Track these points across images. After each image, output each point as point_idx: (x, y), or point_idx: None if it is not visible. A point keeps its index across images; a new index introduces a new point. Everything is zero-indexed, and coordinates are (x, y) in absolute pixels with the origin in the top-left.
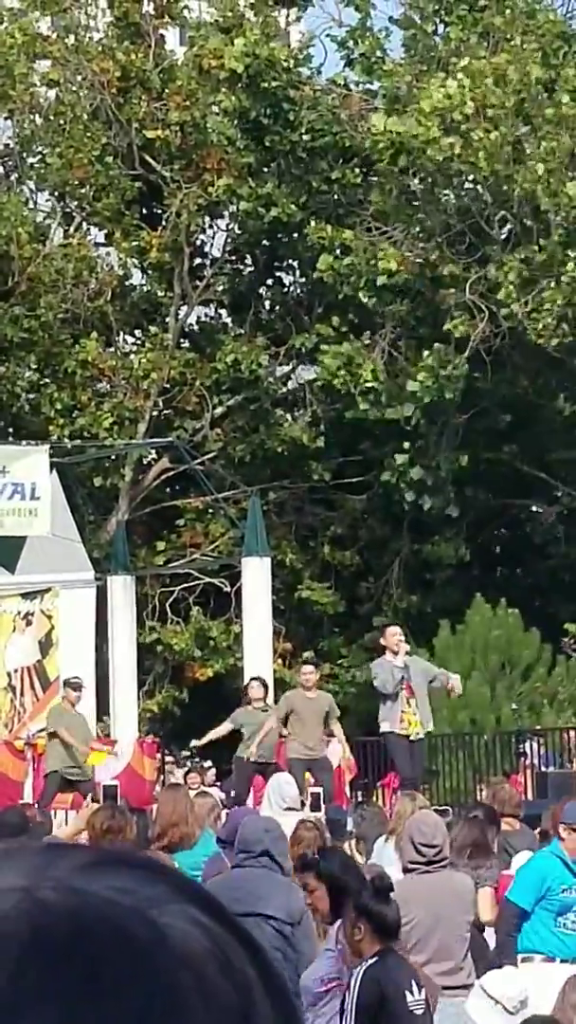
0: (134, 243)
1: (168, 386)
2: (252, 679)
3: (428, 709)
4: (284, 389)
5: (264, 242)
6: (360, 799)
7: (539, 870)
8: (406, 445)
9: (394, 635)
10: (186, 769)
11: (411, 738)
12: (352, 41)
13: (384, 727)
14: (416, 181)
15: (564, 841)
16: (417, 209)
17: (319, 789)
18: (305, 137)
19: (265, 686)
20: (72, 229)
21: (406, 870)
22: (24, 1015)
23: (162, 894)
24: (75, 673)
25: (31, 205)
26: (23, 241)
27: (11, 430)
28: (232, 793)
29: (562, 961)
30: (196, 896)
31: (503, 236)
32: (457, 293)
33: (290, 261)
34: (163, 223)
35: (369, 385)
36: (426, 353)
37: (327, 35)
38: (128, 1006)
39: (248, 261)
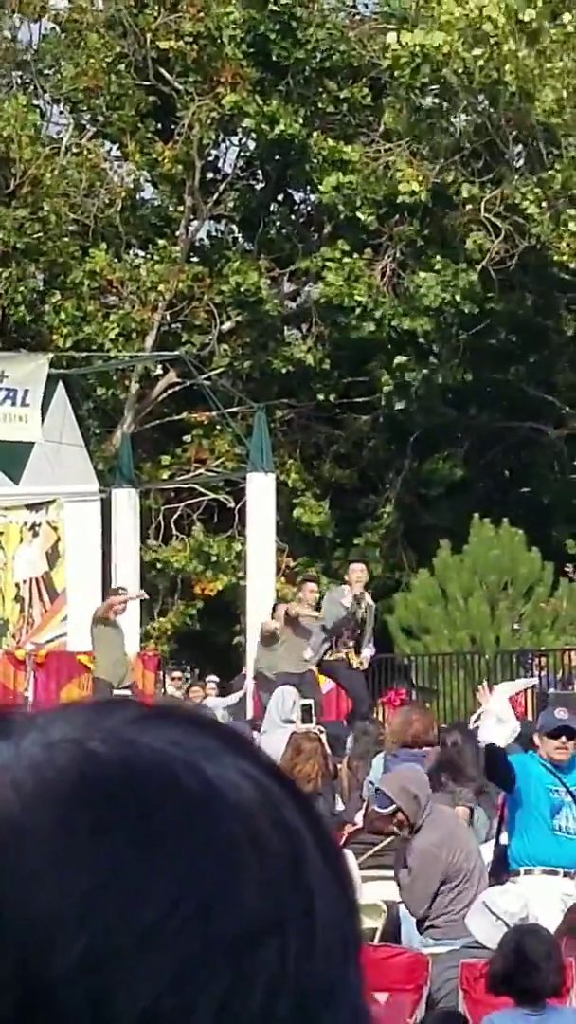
0: (147, 155)
1: (176, 300)
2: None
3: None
4: (292, 306)
5: (276, 158)
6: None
7: (519, 760)
8: (409, 356)
9: (354, 571)
10: (188, 683)
11: (354, 666)
12: None
13: (326, 657)
14: (428, 99)
15: (539, 749)
16: (429, 129)
17: (309, 701)
18: (313, 56)
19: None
20: (85, 140)
21: None
22: (75, 861)
23: (213, 746)
24: (80, 584)
25: (42, 114)
26: (24, 143)
27: (14, 337)
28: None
29: (565, 874)
30: (246, 749)
31: (518, 158)
32: (472, 211)
33: (299, 179)
34: (176, 136)
35: (360, 299)
36: (436, 260)
37: None
38: (180, 854)
39: (259, 177)
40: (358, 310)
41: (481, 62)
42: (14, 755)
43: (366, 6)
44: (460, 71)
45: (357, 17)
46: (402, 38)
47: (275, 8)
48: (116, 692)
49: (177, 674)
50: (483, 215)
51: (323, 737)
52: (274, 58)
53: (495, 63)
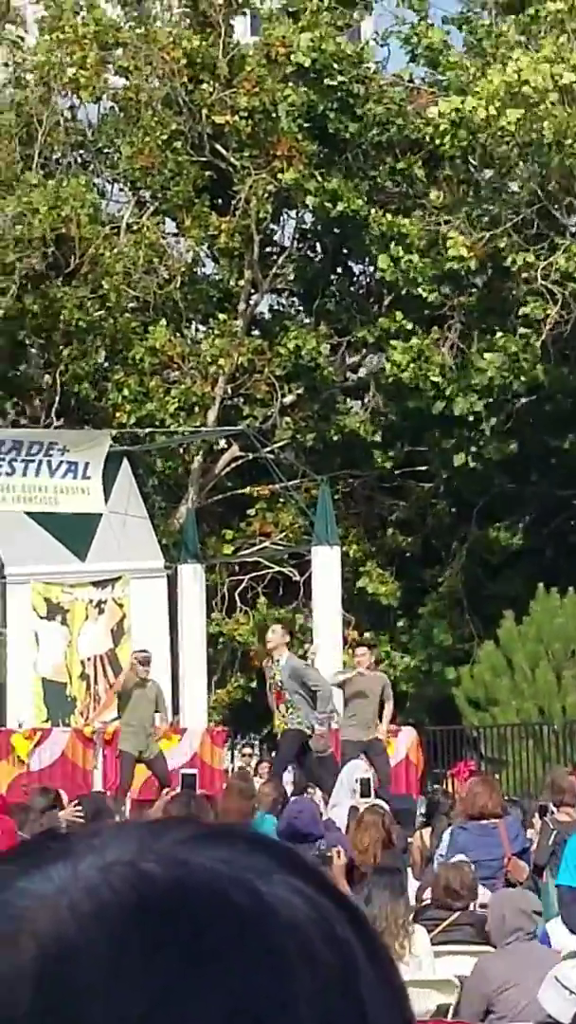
0: (205, 230)
1: (237, 373)
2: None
3: (311, 709)
4: (353, 378)
5: (334, 230)
6: (432, 788)
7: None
8: (464, 432)
9: (270, 633)
10: (257, 759)
11: (278, 733)
12: (415, 36)
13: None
14: (478, 167)
15: None
16: (482, 199)
17: (368, 775)
18: (372, 132)
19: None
20: (144, 218)
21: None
22: (128, 979)
23: (265, 865)
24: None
25: (102, 193)
26: (83, 222)
27: (79, 414)
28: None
29: None
30: (299, 866)
31: (573, 223)
32: (528, 279)
33: (358, 253)
34: (233, 210)
35: (435, 380)
36: (498, 335)
37: (391, 32)
38: (234, 972)
39: (317, 249)
40: (432, 391)
41: (515, 119)
42: (71, 877)
43: (423, 79)
44: (499, 134)
45: (415, 91)
46: (440, 107)
47: (332, 84)
48: (141, 761)
49: (247, 750)
50: (540, 283)
51: (388, 810)
52: (331, 131)
53: (536, 125)
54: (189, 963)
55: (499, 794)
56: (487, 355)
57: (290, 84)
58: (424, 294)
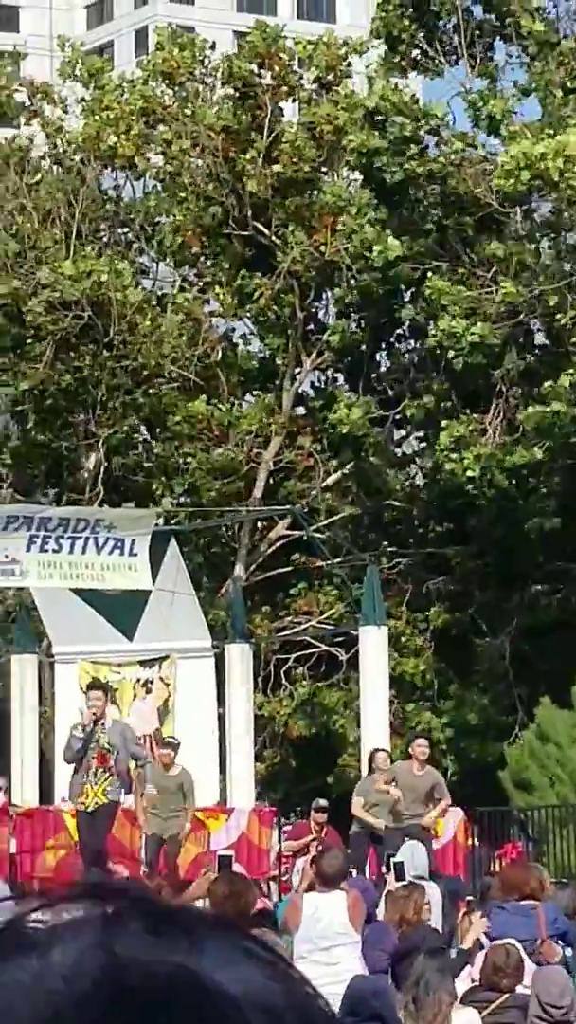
0: (248, 305)
1: (283, 449)
2: (378, 750)
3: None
4: (398, 453)
5: (380, 304)
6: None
7: None
8: (508, 505)
9: (96, 700)
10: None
11: (89, 809)
12: (481, 102)
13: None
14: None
15: None
16: (538, 254)
17: (401, 859)
18: (431, 191)
19: (391, 758)
20: (191, 296)
21: None
22: None
23: (231, 949)
24: (196, 740)
25: (144, 271)
26: (119, 293)
27: (123, 492)
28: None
29: None
30: (260, 947)
31: None
32: None
33: (404, 326)
34: (276, 284)
35: (471, 474)
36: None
37: (457, 94)
38: None
39: (363, 324)
40: (473, 480)
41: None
42: (44, 966)
43: (484, 146)
44: (564, 186)
45: (472, 152)
46: (511, 149)
47: (395, 132)
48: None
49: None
50: None
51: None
52: (387, 189)
53: None
54: None
55: (538, 877)
56: (555, 404)
57: (353, 127)
58: (470, 360)
